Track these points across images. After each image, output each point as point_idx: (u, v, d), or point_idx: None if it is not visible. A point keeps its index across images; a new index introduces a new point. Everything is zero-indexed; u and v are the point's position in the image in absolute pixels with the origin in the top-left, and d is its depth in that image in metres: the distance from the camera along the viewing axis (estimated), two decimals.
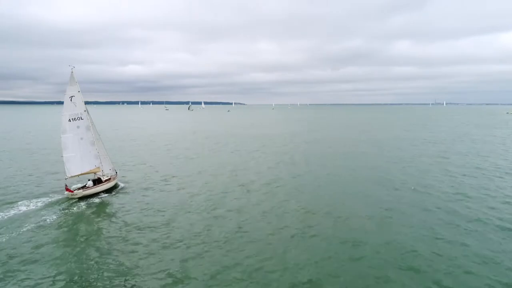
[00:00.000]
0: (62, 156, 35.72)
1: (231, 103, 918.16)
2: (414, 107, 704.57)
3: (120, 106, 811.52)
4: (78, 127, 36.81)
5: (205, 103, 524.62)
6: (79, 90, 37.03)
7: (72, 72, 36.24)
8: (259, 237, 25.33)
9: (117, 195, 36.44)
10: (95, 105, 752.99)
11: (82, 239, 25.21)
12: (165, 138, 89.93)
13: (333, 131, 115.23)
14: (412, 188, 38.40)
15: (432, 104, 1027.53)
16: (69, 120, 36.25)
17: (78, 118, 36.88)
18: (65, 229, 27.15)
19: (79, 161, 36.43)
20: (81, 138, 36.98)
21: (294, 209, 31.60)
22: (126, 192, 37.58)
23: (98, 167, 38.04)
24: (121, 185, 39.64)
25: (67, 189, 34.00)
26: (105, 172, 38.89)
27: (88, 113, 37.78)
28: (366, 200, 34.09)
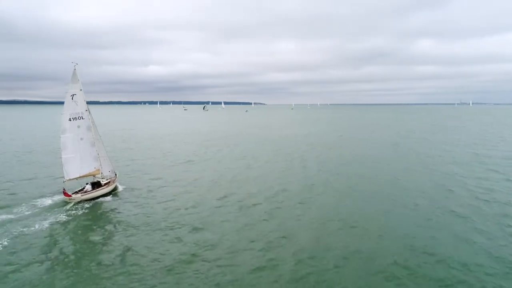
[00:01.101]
0: (61, 157, 34.32)
1: (251, 103, 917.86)
2: (438, 107, 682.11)
3: (142, 106, 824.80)
4: (78, 126, 35.35)
5: (225, 103, 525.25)
6: (81, 88, 35.58)
7: (74, 69, 34.80)
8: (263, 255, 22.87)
9: (116, 198, 34.74)
10: (117, 105, 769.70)
11: (78, 246, 23.76)
12: (173, 139, 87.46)
13: (352, 132, 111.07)
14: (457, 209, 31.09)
15: (457, 104, 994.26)
16: (70, 120, 34.81)
17: (79, 118, 35.42)
18: (61, 235, 25.59)
19: (78, 162, 34.95)
20: (81, 139, 35.51)
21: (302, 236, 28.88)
22: (125, 195, 35.82)
23: (98, 169, 36.51)
24: (120, 187, 37.93)
25: (65, 194, 32.41)
26: (105, 174, 37.35)
27: (89, 112, 36.31)
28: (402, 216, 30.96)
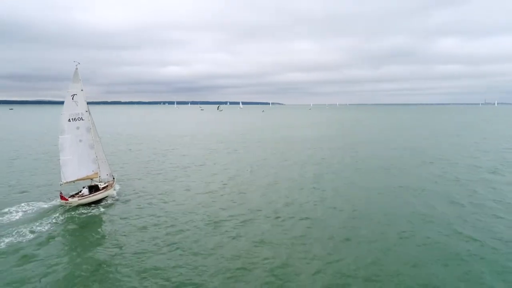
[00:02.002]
0: (59, 159, 33.21)
1: (269, 103, 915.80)
2: (462, 107, 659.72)
3: (161, 106, 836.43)
4: (77, 128, 34.18)
5: (243, 103, 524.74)
6: (82, 88, 34.44)
7: (76, 68, 33.77)
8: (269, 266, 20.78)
9: (113, 203, 33.43)
10: (136, 105, 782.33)
11: (74, 252, 22.77)
12: (178, 142, 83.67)
13: (372, 135, 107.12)
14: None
15: (482, 104, 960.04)
16: (69, 120, 33.65)
17: (79, 119, 34.25)
18: (56, 241, 24.51)
19: (76, 165, 33.75)
20: (80, 140, 34.31)
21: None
22: (122, 200, 34.45)
23: (96, 173, 35.25)
24: (116, 192, 36.47)
25: (61, 197, 31.20)
26: (103, 177, 36.08)
27: (89, 113, 35.12)
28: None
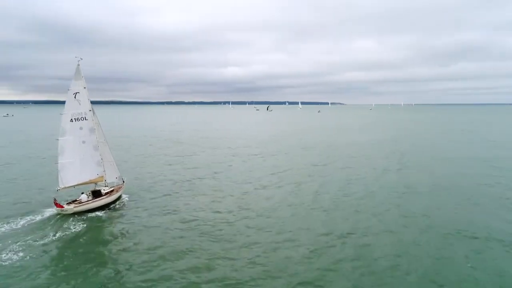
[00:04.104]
0: (56, 163, 30.82)
1: (328, 103, 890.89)
2: None
3: (220, 106, 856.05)
4: (80, 128, 31.68)
5: (302, 103, 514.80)
6: (85, 86, 31.88)
7: (78, 65, 31.23)
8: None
9: (118, 211, 30.40)
10: (197, 105, 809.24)
11: (69, 266, 20.37)
12: (211, 144, 78.38)
13: (442, 141, 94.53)
14: None
15: None
16: (71, 120, 31.24)
17: (82, 118, 31.74)
18: (50, 253, 22.03)
19: (77, 168, 31.21)
20: (83, 142, 31.78)
21: None
22: (129, 207, 31.33)
23: (101, 176, 32.48)
24: (127, 197, 33.49)
25: (56, 204, 28.60)
26: (109, 181, 33.22)
27: (94, 113, 32.48)
28: None
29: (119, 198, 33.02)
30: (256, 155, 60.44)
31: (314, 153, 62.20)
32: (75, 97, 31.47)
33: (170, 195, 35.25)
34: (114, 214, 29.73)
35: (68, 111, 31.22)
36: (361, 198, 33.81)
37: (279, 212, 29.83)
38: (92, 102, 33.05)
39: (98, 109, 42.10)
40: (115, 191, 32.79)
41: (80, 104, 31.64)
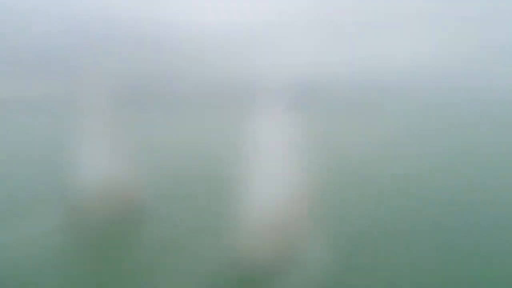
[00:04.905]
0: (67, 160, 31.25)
1: None
2: None
3: None
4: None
5: None
6: None
7: None
8: None
9: (131, 212, 30.71)
10: None
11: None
12: None
13: None
14: None
15: None
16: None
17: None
18: (51, 250, 23.43)
19: (93, 165, 31.78)
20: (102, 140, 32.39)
21: None
22: (148, 208, 31.52)
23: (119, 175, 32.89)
24: (140, 199, 33.76)
25: (68, 202, 29.05)
26: (125, 181, 33.59)
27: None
28: None
29: (133, 199, 33.09)
30: None
31: None
32: None
33: None
34: (125, 212, 30.00)
35: None
36: None
37: None
38: None
39: None
40: (129, 191, 32.72)
41: None
